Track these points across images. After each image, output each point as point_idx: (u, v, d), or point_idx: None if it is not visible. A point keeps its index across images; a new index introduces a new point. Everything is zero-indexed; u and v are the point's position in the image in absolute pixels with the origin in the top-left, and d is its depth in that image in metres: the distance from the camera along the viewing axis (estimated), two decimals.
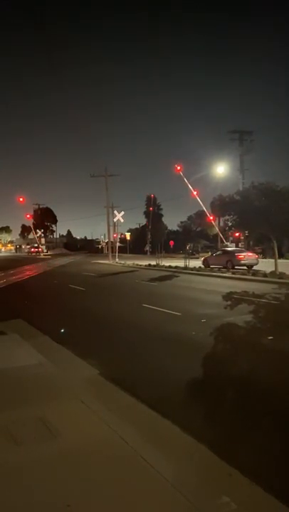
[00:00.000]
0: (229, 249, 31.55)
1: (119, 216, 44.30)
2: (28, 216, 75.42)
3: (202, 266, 27.77)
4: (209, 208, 42.64)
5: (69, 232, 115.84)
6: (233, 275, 21.99)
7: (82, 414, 4.28)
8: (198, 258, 37.17)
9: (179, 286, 18.70)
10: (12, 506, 2.79)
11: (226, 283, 18.79)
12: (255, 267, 24.75)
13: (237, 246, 38.99)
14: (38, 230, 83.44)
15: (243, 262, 25.54)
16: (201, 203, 39.92)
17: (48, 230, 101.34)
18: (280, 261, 22.28)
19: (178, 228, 79.41)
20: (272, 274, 20.34)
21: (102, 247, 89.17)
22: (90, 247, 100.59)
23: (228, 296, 13.72)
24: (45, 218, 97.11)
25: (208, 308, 11.36)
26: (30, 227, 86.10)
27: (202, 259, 31.12)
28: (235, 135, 38.77)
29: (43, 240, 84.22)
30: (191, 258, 33.43)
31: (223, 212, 28.04)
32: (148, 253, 62.38)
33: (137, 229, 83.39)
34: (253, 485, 3.00)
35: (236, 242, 42.64)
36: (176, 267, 27.84)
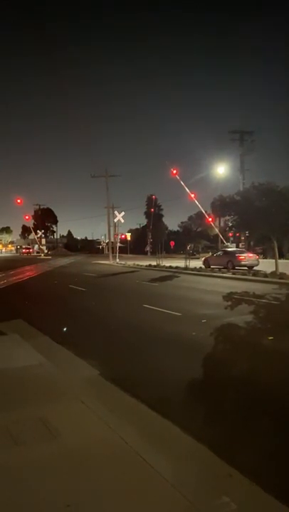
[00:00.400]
0: (230, 249, 31.57)
1: (119, 216, 44.30)
2: (26, 217, 74.88)
3: (203, 266, 27.77)
4: (210, 208, 42.70)
5: (69, 233, 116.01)
6: (234, 275, 21.98)
7: (82, 414, 4.28)
8: (198, 258, 37.15)
9: (180, 286, 18.70)
10: (12, 506, 2.79)
11: (226, 283, 18.78)
12: (255, 268, 24.75)
13: (237, 246, 38.97)
14: (38, 231, 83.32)
15: (243, 262, 25.53)
16: (199, 205, 40.12)
17: (48, 231, 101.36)
18: (280, 261, 22.28)
19: (178, 228, 79.27)
20: (273, 274, 20.33)
21: (102, 248, 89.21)
22: (90, 247, 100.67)
23: (228, 297, 13.72)
24: (45, 219, 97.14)
25: (208, 309, 11.36)
26: (30, 227, 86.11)
27: (203, 259, 31.11)
28: (235, 135, 38.70)
29: (43, 241, 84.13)
30: (192, 258, 33.42)
31: (223, 212, 28.04)
32: (148, 253, 62.39)
33: (137, 229, 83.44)
34: (253, 485, 3.00)
35: (237, 242, 42.63)
36: (176, 268, 27.84)
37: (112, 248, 45.32)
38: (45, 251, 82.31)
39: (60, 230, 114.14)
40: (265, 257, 33.80)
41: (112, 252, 43.95)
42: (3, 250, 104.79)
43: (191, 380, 5.66)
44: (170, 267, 28.88)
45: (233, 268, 25.03)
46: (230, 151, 39.41)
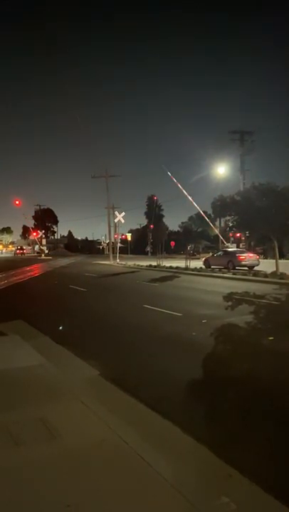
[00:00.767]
0: (230, 249, 31.58)
1: (120, 217, 44.32)
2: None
3: (203, 266, 27.79)
4: (210, 209, 42.71)
5: (70, 233, 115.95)
6: (234, 276, 21.98)
7: (82, 414, 4.28)
8: (199, 259, 37.18)
9: (180, 286, 18.70)
10: (12, 506, 2.80)
11: (226, 283, 18.78)
12: (256, 268, 24.75)
13: (238, 246, 38.98)
14: (39, 231, 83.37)
15: (243, 262, 25.54)
16: (198, 207, 40.22)
17: (49, 231, 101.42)
18: (281, 261, 22.29)
19: (179, 229, 79.64)
20: (273, 274, 20.33)
21: (103, 248, 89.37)
22: (90, 247, 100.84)
23: (228, 297, 13.71)
24: (46, 219, 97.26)
25: (208, 309, 11.36)
26: (31, 228, 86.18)
27: (203, 259, 31.13)
28: (236, 135, 38.71)
29: (44, 241, 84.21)
30: (192, 259, 33.42)
31: (224, 212, 28.05)
32: (149, 254, 62.47)
33: (137, 229, 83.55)
34: (253, 485, 3.00)
35: (237, 242, 42.63)
36: (177, 268, 27.83)
37: (113, 248, 45.36)
38: (46, 251, 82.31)
39: (61, 231, 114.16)
40: (265, 257, 33.83)
41: (113, 253, 43.98)
42: (4, 251, 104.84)
43: (191, 380, 5.66)
44: (170, 267, 28.88)
45: (234, 268, 25.04)
46: (231, 151, 39.47)
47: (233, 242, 43.62)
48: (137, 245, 72.74)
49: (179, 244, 62.56)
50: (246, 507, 2.83)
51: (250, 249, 33.80)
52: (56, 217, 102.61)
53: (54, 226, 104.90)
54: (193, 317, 10.23)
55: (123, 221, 45.81)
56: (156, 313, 11.07)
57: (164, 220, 77.35)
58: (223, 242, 40.68)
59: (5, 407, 4.45)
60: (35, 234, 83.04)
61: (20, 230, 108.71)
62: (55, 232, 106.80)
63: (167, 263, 31.90)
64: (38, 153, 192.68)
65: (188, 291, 16.35)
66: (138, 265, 33.76)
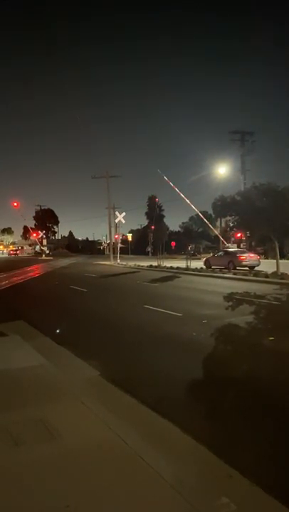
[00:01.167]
0: (231, 250, 31.53)
1: (120, 217, 44.35)
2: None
3: (204, 267, 27.77)
4: (211, 209, 42.73)
5: (71, 233, 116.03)
6: (235, 276, 21.96)
7: (82, 415, 4.29)
8: (199, 259, 37.15)
9: (180, 287, 18.69)
10: (12, 507, 2.80)
11: (227, 284, 18.77)
12: (256, 268, 24.72)
13: (239, 247, 38.95)
14: (39, 232, 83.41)
15: (244, 262, 25.51)
16: (196, 209, 40.37)
17: (49, 231, 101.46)
18: (281, 261, 22.27)
19: (179, 229, 79.52)
20: (274, 274, 20.31)
21: (103, 248, 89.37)
22: (91, 248, 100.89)
23: (229, 297, 13.71)
24: (46, 219, 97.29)
25: (209, 309, 11.35)
26: (31, 228, 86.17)
27: (204, 260, 31.10)
28: (236, 136, 38.65)
29: (44, 242, 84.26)
30: (193, 259, 33.39)
31: (224, 212, 28.00)
32: (150, 254, 62.38)
33: (138, 230, 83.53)
34: (253, 486, 2.99)
35: (238, 242, 42.59)
36: (177, 268, 27.83)
37: (113, 249, 45.36)
38: (47, 252, 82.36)
39: (62, 231, 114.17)
40: (266, 258, 33.79)
41: (113, 253, 43.98)
42: (5, 251, 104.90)
43: (191, 380, 5.66)
44: (171, 267, 28.87)
45: (234, 268, 25.01)
46: (231, 151, 39.38)
47: (233, 242, 43.57)
48: (137, 246, 72.73)
49: (180, 245, 62.48)
50: (246, 507, 2.83)
51: (250, 249, 33.76)
52: (57, 217, 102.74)
53: (55, 226, 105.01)
54: (194, 317, 10.22)
55: (124, 221, 45.93)
56: (157, 313, 11.07)
57: (165, 220, 77.41)
58: (223, 243, 40.67)
59: (5, 407, 4.45)
60: (35, 234, 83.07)
61: (21, 231, 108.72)
62: (55, 233, 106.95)
63: (168, 263, 31.89)
64: (38, 153, 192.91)
65: (188, 292, 16.34)
66: (138, 265, 33.76)
